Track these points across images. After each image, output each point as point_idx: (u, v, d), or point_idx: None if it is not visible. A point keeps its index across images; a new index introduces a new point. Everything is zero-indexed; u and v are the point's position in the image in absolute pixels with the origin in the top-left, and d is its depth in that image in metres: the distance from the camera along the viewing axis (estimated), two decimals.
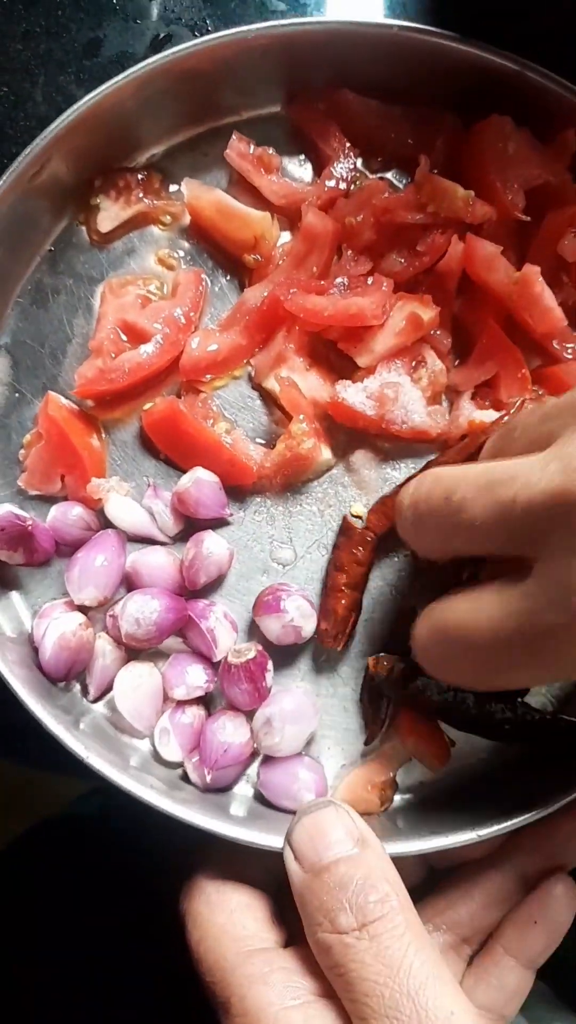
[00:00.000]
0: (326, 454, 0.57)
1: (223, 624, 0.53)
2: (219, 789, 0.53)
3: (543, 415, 0.41)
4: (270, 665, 0.54)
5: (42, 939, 0.64)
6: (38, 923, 0.65)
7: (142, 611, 0.51)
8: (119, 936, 0.65)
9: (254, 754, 0.54)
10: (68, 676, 0.53)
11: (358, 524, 0.55)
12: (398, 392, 0.56)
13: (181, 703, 0.54)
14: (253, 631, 0.56)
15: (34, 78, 0.63)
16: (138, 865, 0.65)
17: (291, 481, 0.58)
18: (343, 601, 0.54)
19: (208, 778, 0.51)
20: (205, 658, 0.54)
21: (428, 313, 0.57)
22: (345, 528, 0.56)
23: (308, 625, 0.54)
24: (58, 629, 0.52)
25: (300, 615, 0.53)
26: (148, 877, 0.63)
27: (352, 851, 0.43)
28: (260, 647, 0.53)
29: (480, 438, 0.52)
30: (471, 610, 0.41)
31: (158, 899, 0.57)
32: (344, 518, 0.56)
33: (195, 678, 0.53)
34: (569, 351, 0.57)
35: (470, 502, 0.39)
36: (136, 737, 0.54)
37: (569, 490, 0.35)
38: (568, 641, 0.36)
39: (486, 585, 0.41)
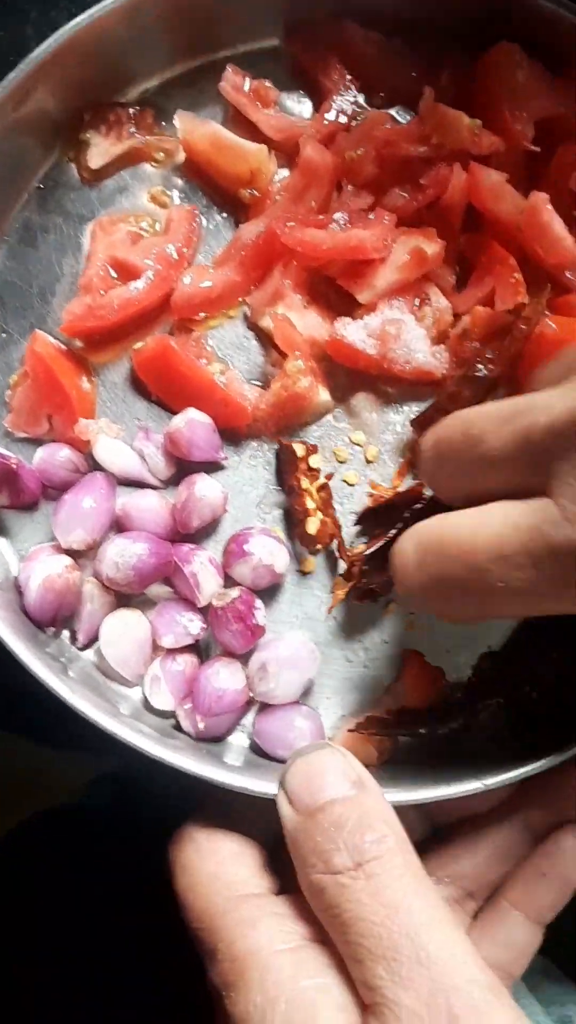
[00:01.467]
0: (324, 395, 0.55)
1: (207, 569, 0.51)
2: (213, 738, 0.51)
3: (562, 363, 0.42)
4: (259, 603, 0.51)
5: (43, 935, 0.62)
6: (38, 917, 0.63)
7: (122, 555, 0.49)
8: (122, 933, 0.62)
9: (250, 703, 0.52)
10: (55, 620, 0.50)
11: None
12: (400, 330, 0.53)
13: (172, 651, 0.51)
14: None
15: (26, 16, 0.61)
16: (145, 858, 0.63)
17: (288, 424, 0.55)
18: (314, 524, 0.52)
19: (201, 726, 0.49)
20: (194, 606, 0.52)
21: (432, 247, 0.54)
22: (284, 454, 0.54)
23: (279, 561, 0.52)
24: (43, 571, 0.50)
25: (268, 553, 0.51)
26: (156, 871, 0.62)
27: (349, 792, 0.41)
28: (244, 588, 0.51)
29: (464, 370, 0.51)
30: (472, 525, 0.39)
31: (165, 893, 0.55)
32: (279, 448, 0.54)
33: (183, 626, 0.51)
34: None
35: (489, 434, 0.39)
36: (125, 685, 0.52)
37: None
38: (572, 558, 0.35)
39: (489, 505, 0.39)
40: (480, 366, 0.52)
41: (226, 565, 0.52)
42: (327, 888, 0.39)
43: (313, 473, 0.54)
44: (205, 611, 0.52)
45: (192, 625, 0.51)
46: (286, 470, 0.54)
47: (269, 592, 0.54)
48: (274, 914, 0.41)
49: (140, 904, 0.62)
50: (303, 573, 0.55)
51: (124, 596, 0.53)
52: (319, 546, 0.53)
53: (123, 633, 0.51)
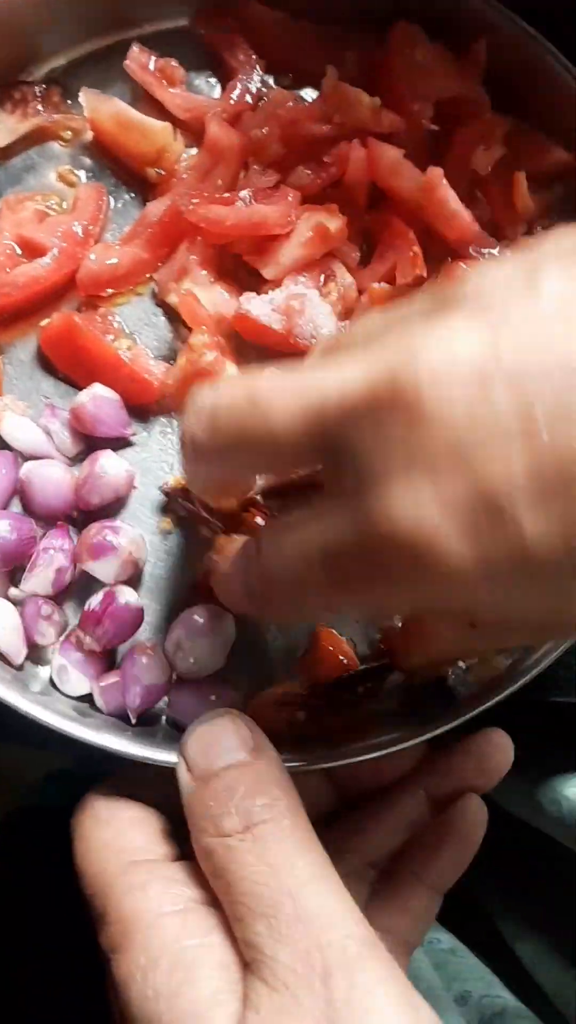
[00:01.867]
0: (232, 371, 0.55)
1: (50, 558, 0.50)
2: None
3: (382, 321, 0.36)
4: (125, 596, 0.50)
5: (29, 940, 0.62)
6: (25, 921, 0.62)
7: None
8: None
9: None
10: None
11: None
12: (304, 304, 0.54)
13: (68, 637, 0.51)
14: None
15: None
16: None
17: None
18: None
19: (134, 720, 0.49)
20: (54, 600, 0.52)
21: (335, 223, 0.55)
22: None
23: (144, 553, 0.52)
24: None
25: (136, 547, 0.51)
26: None
27: (244, 758, 0.41)
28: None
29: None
30: (275, 536, 0.37)
31: None
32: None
33: (46, 624, 0.51)
34: (485, 256, 0.55)
35: (277, 402, 0.34)
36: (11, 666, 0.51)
37: (375, 382, 0.31)
38: (361, 561, 0.33)
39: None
40: None
41: (82, 559, 0.50)
42: (216, 851, 0.39)
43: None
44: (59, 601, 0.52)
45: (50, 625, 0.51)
46: None
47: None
48: (165, 878, 0.42)
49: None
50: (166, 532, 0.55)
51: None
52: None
53: None
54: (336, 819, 0.51)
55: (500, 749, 0.51)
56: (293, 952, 0.36)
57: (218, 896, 0.40)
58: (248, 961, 0.37)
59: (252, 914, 0.37)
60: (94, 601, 0.50)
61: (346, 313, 0.56)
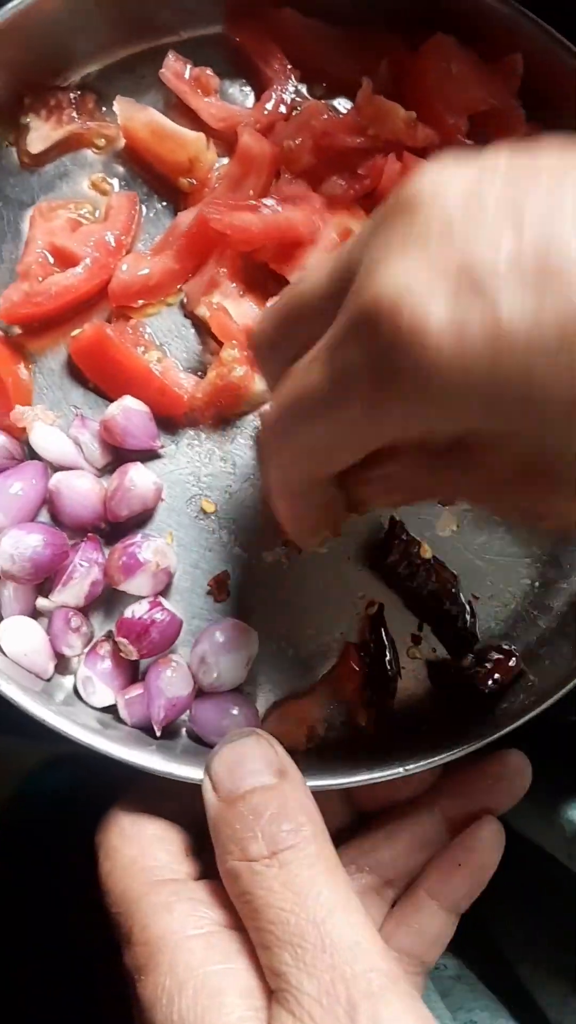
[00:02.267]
0: (260, 385, 0.55)
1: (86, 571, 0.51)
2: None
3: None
4: (164, 610, 0.51)
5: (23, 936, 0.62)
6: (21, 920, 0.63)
7: (17, 546, 0.48)
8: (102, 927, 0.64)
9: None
10: None
11: None
12: None
13: (95, 648, 0.52)
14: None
15: None
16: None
17: (224, 413, 0.56)
18: None
19: (158, 733, 0.50)
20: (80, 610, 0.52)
21: (359, 224, 0.55)
22: None
23: (172, 559, 0.52)
24: None
25: (162, 555, 0.51)
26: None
27: (270, 781, 0.42)
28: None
29: None
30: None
31: None
32: None
33: (74, 635, 0.51)
34: None
35: (312, 270, 0.38)
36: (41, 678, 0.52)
37: (386, 203, 0.33)
38: (347, 342, 0.32)
39: None
40: None
41: (116, 581, 0.51)
42: (242, 875, 0.40)
43: None
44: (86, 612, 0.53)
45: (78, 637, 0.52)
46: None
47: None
48: (190, 899, 0.42)
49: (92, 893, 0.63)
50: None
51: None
52: None
53: (20, 638, 0.50)
54: (352, 835, 0.52)
55: (518, 771, 0.51)
56: (319, 983, 0.36)
57: (243, 919, 0.40)
58: (274, 989, 0.38)
59: (278, 942, 0.38)
60: (138, 610, 0.50)
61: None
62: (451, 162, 0.32)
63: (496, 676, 0.52)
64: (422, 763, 0.48)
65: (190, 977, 0.39)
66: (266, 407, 0.39)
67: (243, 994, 0.38)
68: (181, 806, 0.48)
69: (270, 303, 0.55)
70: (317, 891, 0.38)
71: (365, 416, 0.33)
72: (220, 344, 0.55)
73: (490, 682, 0.52)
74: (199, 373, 0.56)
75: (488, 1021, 0.57)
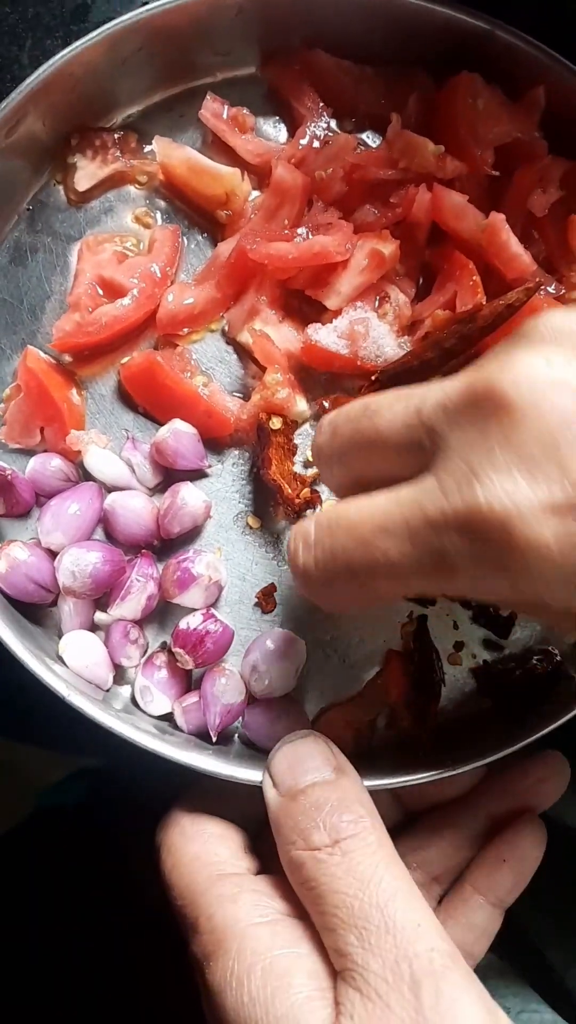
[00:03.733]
0: (301, 405, 0.58)
1: (143, 585, 0.54)
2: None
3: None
4: (217, 621, 0.54)
5: (31, 948, 0.64)
6: (27, 919, 0.65)
7: (77, 563, 0.51)
8: (111, 940, 0.65)
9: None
10: (28, 594, 0.53)
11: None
12: (368, 327, 0.57)
13: (151, 658, 0.54)
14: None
15: (21, 41, 0.64)
16: (127, 856, 0.65)
17: None
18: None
19: (214, 738, 0.52)
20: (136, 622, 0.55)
21: (388, 247, 0.58)
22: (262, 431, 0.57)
23: (222, 572, 0.55)
24: (13, 549, 0.53)
25: (213, 569, 0.54)
26: (140, 871, 0.64)
27: (329, 776, 0.44)
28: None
29: (436, 336, 0.54)
30: (364, 503, 0.39)
31: (154, 892, 0.57)
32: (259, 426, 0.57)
33: (131, 647, 0.54)
34: (541, 292, 0.58)
35: (385, 407, 0.40)
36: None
37: (473, 385, 0.36)
38: (451, 534, 0.35)
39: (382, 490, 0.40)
40: (450, 336, 0.54)
41: (170, 595, 0.54)
42: (306, 863, 0.42)
43: (288, 447, 0.57)
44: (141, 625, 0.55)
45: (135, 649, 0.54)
46: (261, 446, 0.56)
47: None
48: (253, 891, 0.45)
49: (121, 900, 0.65)
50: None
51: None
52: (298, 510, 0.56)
53: (81, 651, 0.53)
54: (399, 834, 0.54)
55: (557, 771, 0.54)
56: (383, 962, 0.39)
57: (306, 907, 0.43)
58: (339, 970, 0.40)
59: (343, 925, 0.40)
60: (193, 622, 0.53)
61: (402, 331, 0.59)
62: (539, 354, 0.35)
63: (537, 676, 0.54)
64: (469, 764, 0.50)
65: (258, 961, 0.41)
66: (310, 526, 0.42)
67: (309, 975, 0.40)
68: (236, 808, 0.51)
69: (314, 327, 0.58)
70: (379, 877, 0.41)
71: (465, 587, 0.37)
72: (262, 368, 0.58)
73: (532, 683, 0.54)
74: (242, 396, 0.59)
75: (520, 1006, 0.59)
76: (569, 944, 0.66)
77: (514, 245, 0.56)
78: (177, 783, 0.51)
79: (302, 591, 0.44)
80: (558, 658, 0.55)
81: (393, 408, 0.40)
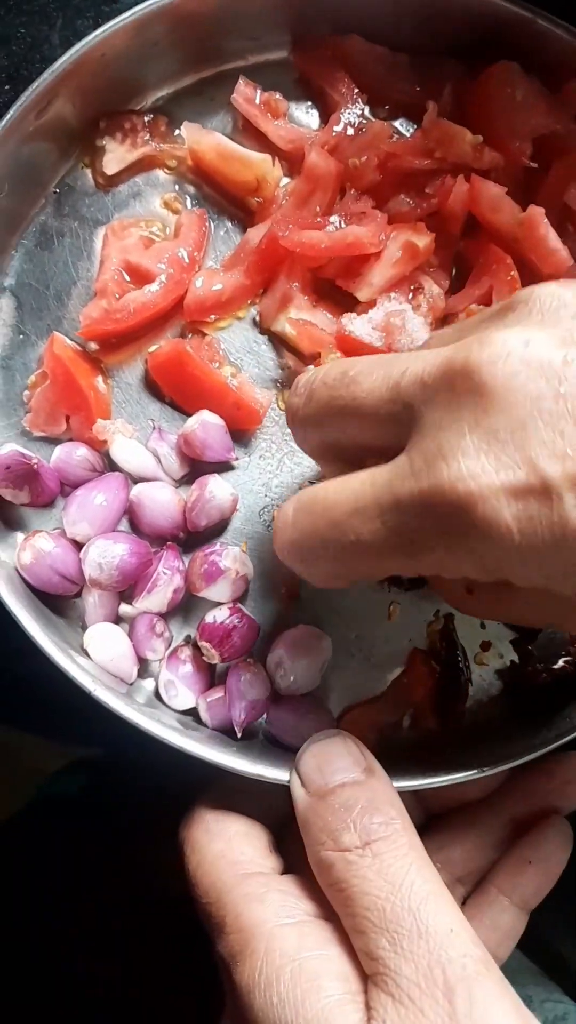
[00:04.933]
0: None
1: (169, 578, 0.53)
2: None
3: (457, 327, 0.43)
4: (244, 615, 0.53)
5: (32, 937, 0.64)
6: (29, 920, 0.64)
7: (104, 555, 0.50)
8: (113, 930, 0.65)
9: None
10: (53, 585, 0.52)
11: None
12: (404, 319, 0.56)
13: (175, 652, 0.54)
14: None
15: (52, 21, 0.62)
16: (128, 846, 0.65)
17: None
18: None
19: (239, 734, 0.51)
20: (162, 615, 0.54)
21: (423, 240, 0.57)
22: None
23: (249, 566, 0.54)
24: (38, 539, 0.52)
25: (240, 563, 0.53)
26: (141, 860, 0.64)
27: (359, 777, 0.44)
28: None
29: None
30: (339, 484, 0.40)
31: (155, 882, 0.57)
32: None
33: (157, 639, 0.54)
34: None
35: (364, 375, 0.40)
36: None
37: (451, 361, 0.36)
38: (418, 514, 0.36)
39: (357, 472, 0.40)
40: None
41: (196, 588, 0.53)
42: (335, 864, 0.41)
43: None
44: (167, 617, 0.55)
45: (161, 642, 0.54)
46: None
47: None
48: (279, 891, 0.44)
49: (121, 889, 0.64)
50: None
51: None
52: None
53: (106, 644, 0.52)
54: (422, 834, 0.53)
55: None
56: (416, 967, 0.38)
57: (335, 907, 0.42)
58: (370, 974, 0.39)
59: (375, 928, 0.39)
60: (219, 616, 0.52)
61: (435, 324, 0.58)
62: (521, 333, 0.35)
63: (565, 678, 0.54)
64: (495, 767, 0.50)
65: (287, 963, 0.41)
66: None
67: (339, 978, 0.40)
68: (260, 806, 0.50)
69: (348, 317, 0.57)
70: (411, 880, 0.40)
71: (434, 565, 0.37)
72: (298, 356, 0.57)
73: (559, 685, 0.54)
74: (271, 388, 0.58)
75: (543, 994, 0.59)
76: None
77: (552, 239, 0.55)
78: (180, 774, 0.50)
79: (291, 568, 0.44)
80: None
81: (372, 377, 0.39)
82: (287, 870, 0.48)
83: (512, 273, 0.57)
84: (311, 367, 0.52)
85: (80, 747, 0.69)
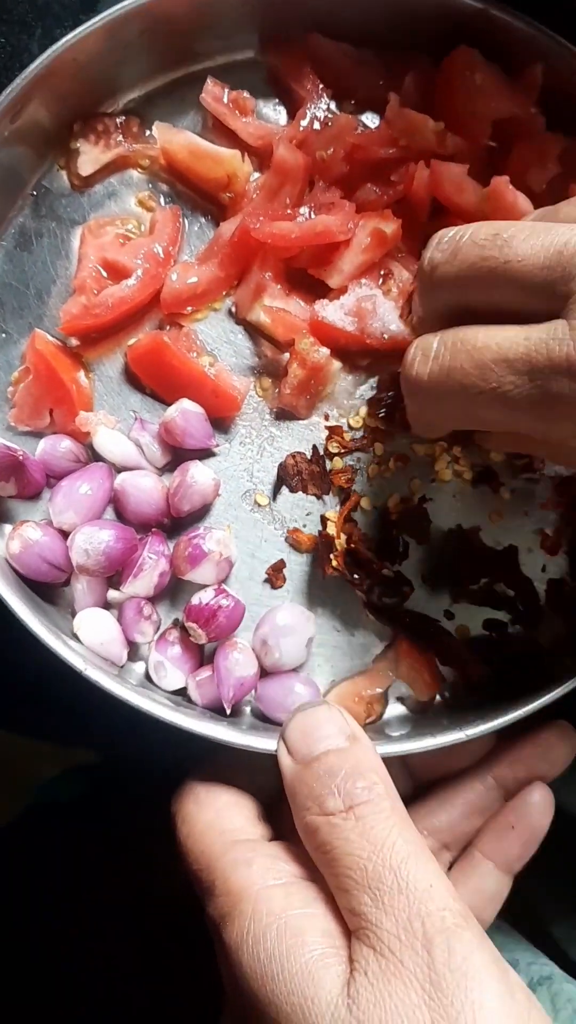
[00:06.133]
0: (336, 363, 0.59)
1: (155, 562, 0.54)
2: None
3: None
4: (229, 596, 0.54)
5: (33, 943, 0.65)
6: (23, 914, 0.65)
7: (90, 542, 0.52)
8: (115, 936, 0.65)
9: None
10: (42, 573, 0.53)
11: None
12: (375, 304, 0.57)
13: (164, 634, 0.55)
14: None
15: (31, 30, 0.64)
16: (126, 848, 0.66)
17: (315, 400, 0.59)
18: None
19: (228, 711, 0.53)
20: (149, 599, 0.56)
21: (390, 226, 0.58)
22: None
23: (233, 548, 0.56)
24: (26, 529, 0.54)
25: (224, 545, 0.54)
26: (139, 863, 0.65)
27: (343, 744, 0.45)
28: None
29: None
30: (491, 330, 0.40)
31: (155, 883, 0.57)
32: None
33: (145, 623, 0.55)
34: None
35: (520, 241, 0.40)
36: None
37: None
38: (568, 378, 0.37)
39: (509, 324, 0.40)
40: None
41: (182, 571, 0.54)
42: (320, 828, 0.43)
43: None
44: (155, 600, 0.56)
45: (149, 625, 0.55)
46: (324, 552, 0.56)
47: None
48: (267, 855, 0.46)
49: (117, 896, 0.65)
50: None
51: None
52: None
53: (96, 628, 0.54)
54: (410, 803, 0.55)
55: (565, 740, 0.55)
56: (397, 921, 0.39)
57: (321, 869, 0.43)
58: (353, 929, 0.41)
59: (357, 886, 0.41)
60: (205, 597, 0.53)
61: (406, 308, 0.60)
62: None
63: (538, 648, 0.56)
64: (481, 728, 0.51)
65: (273, 921, 0.42)
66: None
67: (323, 934, 0.41)
68: (249, 779, 0.52)
69: (321, 304, 0.59)
70: (392, 841, 0.42)
71: (564, 431, 0.39)
72: (275, 343, 0.59)
73: (531, 653, 0.55)
74: (250, 374, 0.60)
75: (532, 958, 0.60)
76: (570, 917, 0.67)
77: (523, 202, 0.56)
78: (177, 774, 0.52)
79: (409, 402, 0.45)
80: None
81: (530, 242, 0.40)
82: (275, 838, 0.49)
83: None
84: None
85: (76, 750, 0.70)
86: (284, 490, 0.59)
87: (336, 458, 0.58)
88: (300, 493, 0.58)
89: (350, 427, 0.59)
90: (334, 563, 0.54)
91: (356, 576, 0.55)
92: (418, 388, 0.44)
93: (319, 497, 0.58)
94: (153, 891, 0.63)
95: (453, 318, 0.44)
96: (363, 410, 0.59)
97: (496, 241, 0.40)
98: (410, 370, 0.44)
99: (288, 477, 0.58)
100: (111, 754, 0.65)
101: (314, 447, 0.59)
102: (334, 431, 0.59)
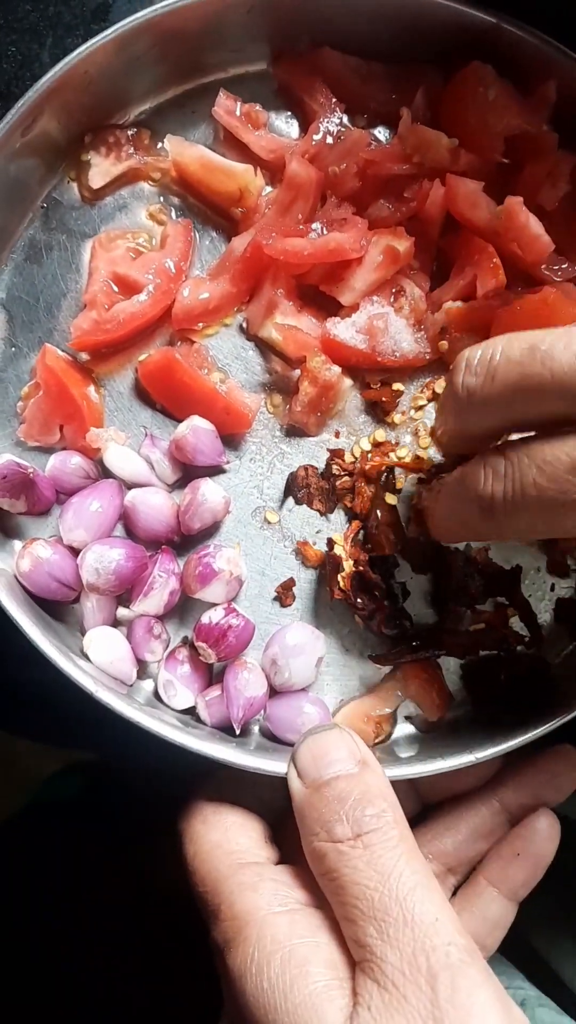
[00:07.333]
0: (347, 380, 0.59)
1: (165, 581, 0.54)
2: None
3: None
4: (239, 615, 0.54)
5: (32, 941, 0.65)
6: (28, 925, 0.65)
7: (100, 560, 0.52)
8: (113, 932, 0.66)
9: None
10: (52, 591, 0.53)
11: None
12: (387, 322, 0.57)
13: (173, 653, 0.55)
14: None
15: (42, 39, 0.63)
16: (126, 848, 0.66)
17: (325, 417, 0.59)
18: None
19: (238, 731, 0.53)
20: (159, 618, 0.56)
21: (403, 244, 0.58)
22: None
23: (243, 567, 0.55)
24: (36, 547, 0.53)
25: (234, 564, 0.54)
26: (139, 862, 0.65)
27: (353, 769, 0.45)
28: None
29: None
30: (553, 444, 0.40)
31: (154, 883, 0.57)
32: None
33: (154, 642, 0.55)
34: (559, 273, 0.58)
35: (561, 350, 0.39)
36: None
37: None
38: None
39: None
40: None
41: (192, 590, 0.54)
42: (328, 854, 0.43)
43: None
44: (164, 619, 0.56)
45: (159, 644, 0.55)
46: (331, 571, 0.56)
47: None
48: (273, 880, 0.46)
49: (116, 893, 0.65)
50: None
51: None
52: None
53: (105, 647, 0.54)
54: (416, 824, 0.55)
55: (571, 766, 0.55)
56: (401, 955, 0.39)
57: (327, 896, 0.43)
58: (358, 960, 0.41)
59: (363, 917, 0.41)
60: (215, 616, 0.53)
61: (417, 324, 0.60)
62: None
63: (520, 678, 0.56)
64: (490, 751, 0.51)
65: (277, 949, 0.42)
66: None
67: (327, 965, 0.41)
68: (256, 798, 0.52)
69: (332, 321, 0.59)
70: (400, 871, 0.42)
71: None
72: (287, 360, 0.59)
73: (515, 684, 0.56)
74: (261, 391, 0.60)
75: (506, 982, 0.60)
76: (552, 930, 0.67)
77: (534, 225, 0.56)
78: (177, 774, 0.51)
79: (482, 524, 0.44)
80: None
81: (572, 348, 0.39)
82: (283, 860, 0.49)
83: (495, 260, 0.59)
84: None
85: (76, 751, 0.70)
86: (291, 503, 0.59)
87: (342, 479, 0.58)
88: (306, 507, 0.58)
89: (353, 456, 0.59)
90: (341, 584, 0.54)
91: (360, 601, 0.55)
92: (492, 508, 0.43)
93: (323, 514, 0.58)
94: (153, 891, 0.63)
95: (494, 433, 0.44)
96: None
97: (535, 355, 0.39)
98: (483, 490, 0.43)
99: (296, 488, 0.58)
100: (111, 753, 0.64)
101: (327, 463, 0.58)
102: (335, 454, 0.58)
